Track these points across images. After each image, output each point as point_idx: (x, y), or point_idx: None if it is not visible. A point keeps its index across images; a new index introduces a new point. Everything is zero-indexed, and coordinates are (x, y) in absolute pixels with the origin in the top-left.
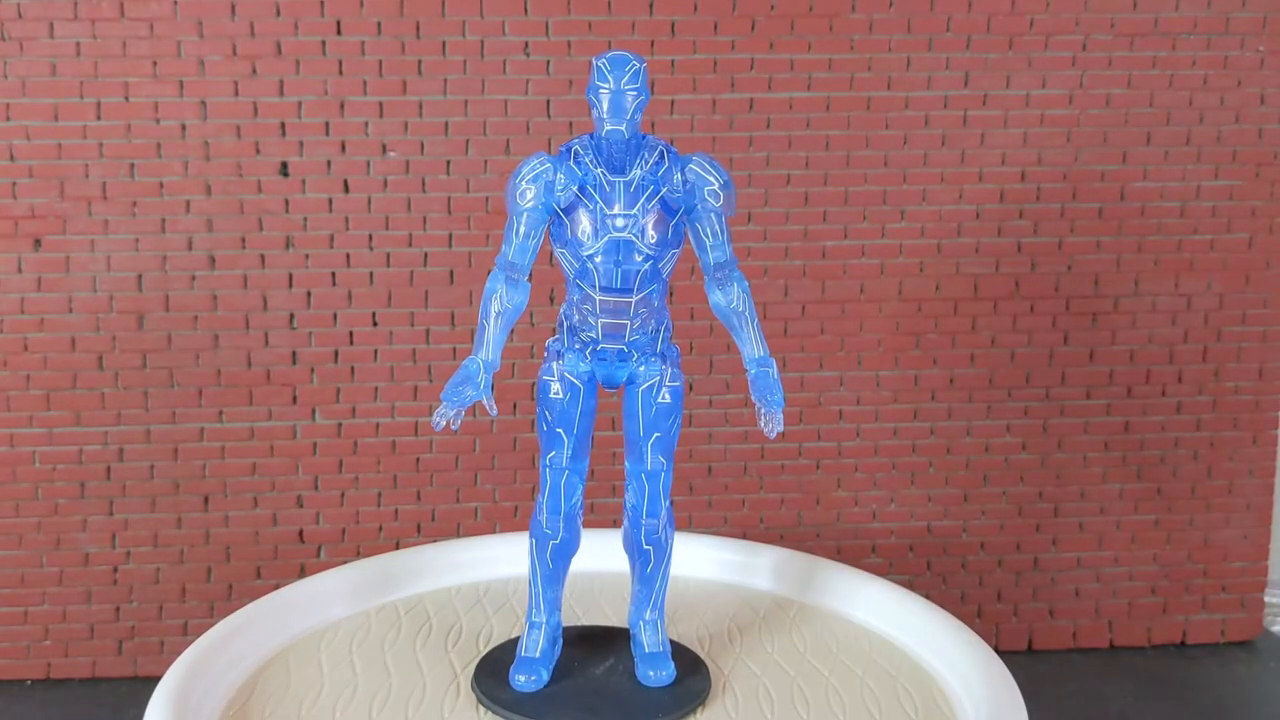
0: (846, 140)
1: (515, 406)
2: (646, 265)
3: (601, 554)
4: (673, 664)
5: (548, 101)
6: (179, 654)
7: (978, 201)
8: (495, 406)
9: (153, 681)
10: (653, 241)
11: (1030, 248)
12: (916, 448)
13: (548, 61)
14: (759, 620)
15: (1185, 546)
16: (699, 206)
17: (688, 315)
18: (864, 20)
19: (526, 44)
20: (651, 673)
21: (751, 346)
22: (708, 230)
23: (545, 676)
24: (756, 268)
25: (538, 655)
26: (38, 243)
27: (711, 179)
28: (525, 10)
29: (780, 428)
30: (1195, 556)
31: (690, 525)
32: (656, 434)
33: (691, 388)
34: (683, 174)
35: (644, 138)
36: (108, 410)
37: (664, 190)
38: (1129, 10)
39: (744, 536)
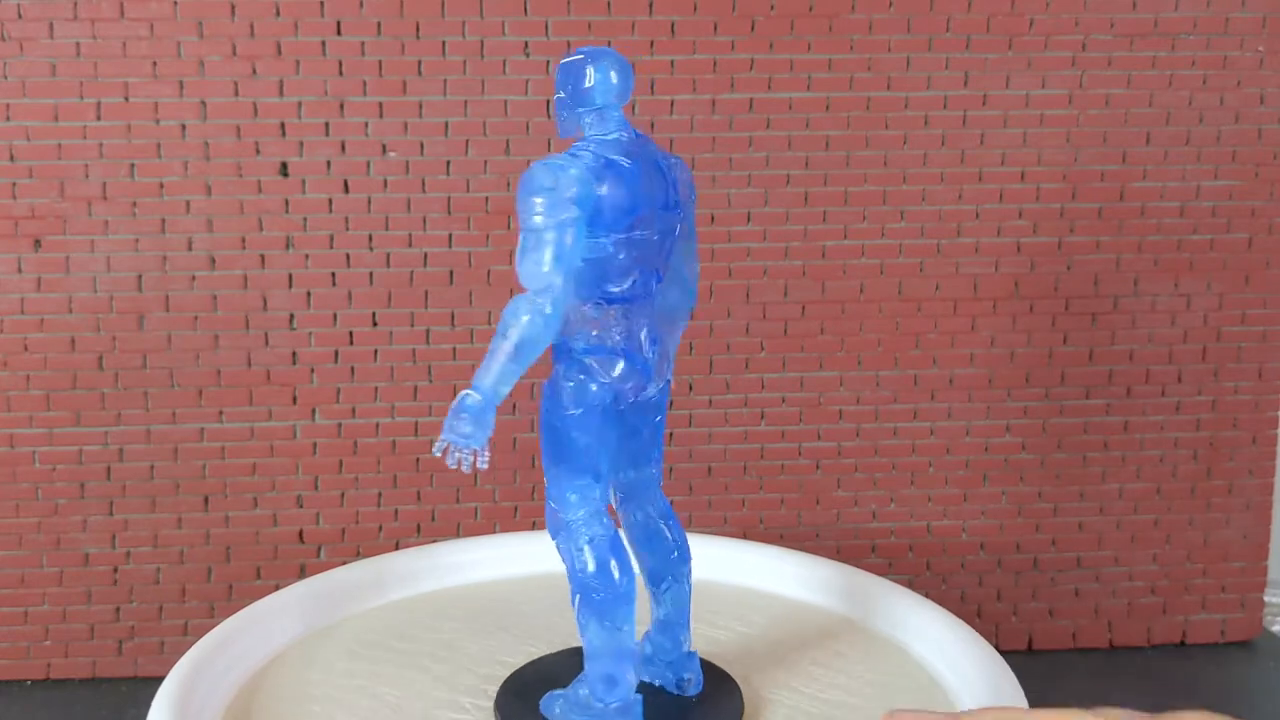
0: (846, 140)
1: (515, 407)
2: None
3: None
4: None
5: (548, 102)
6: (179, 654)
7: (977, 201)
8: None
9: (153, 681)
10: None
11: (1029, 248)
12: (916, 448)
13: (548, 61)
14: (759, 621)
15: (1185, 546)
16: None
17: None
18: (864, 20)
19: (526, 44)
20: None
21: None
22: None
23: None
24: (756, 268)
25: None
26: (38, 243)
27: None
28: (525, 10)
29: (454, 458)
30: (1195, 556)
31: (690, 525)
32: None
33: (691, 388)
34: None
35: (578, 138)
36: (108, 410)
37: None
38: (1129, 10)
39: (744, 536)
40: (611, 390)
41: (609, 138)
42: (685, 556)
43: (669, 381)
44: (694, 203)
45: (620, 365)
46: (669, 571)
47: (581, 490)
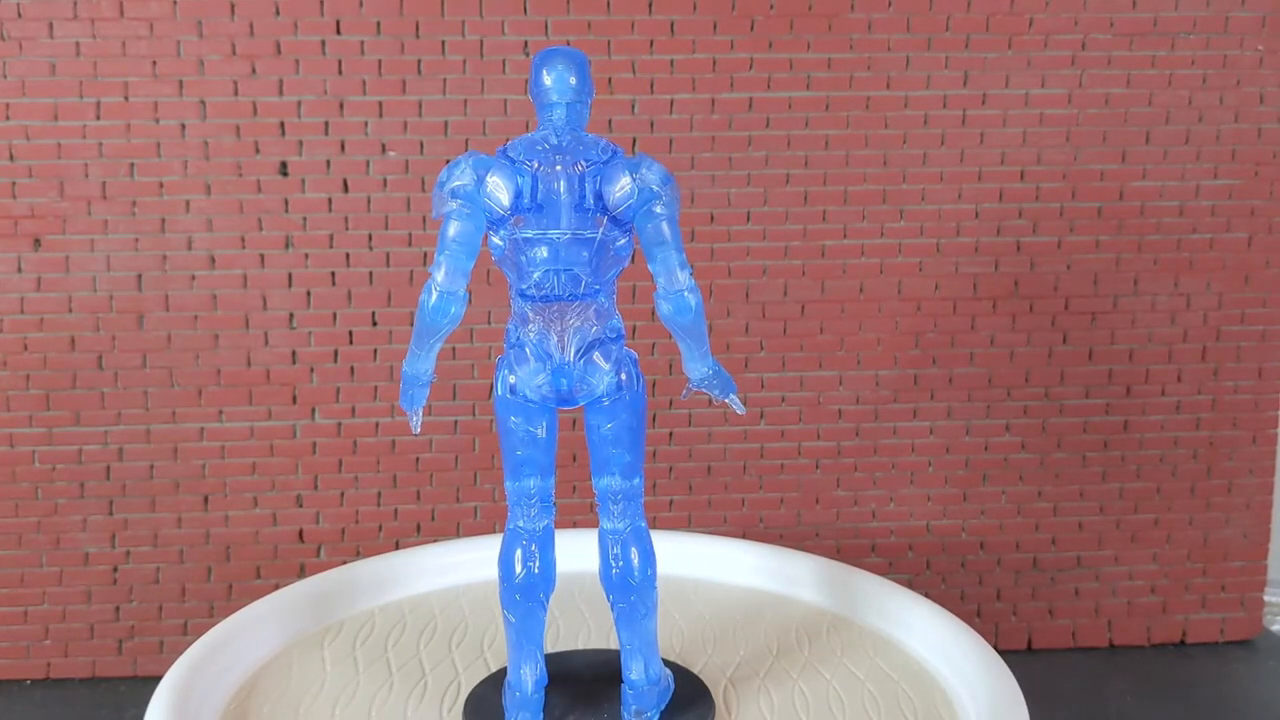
0: (846, 140)
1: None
2: None
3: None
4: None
5: None
6: (179, 654)
7: (977, 201)
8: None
9: (152, 681)
10: None
11: (1029, 247)
12: (915, 447)
13: None
14: (760, 621)
15: (1185, 546)
16: None
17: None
18: (863, 20)
19: (526, 44)
20: None
21: None
22: None
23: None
24: (756, 267)
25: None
26: (38, 243)
27: None
28: (525, 10)
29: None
30: (1195, 556)
31: (690, 524)
32: None
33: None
34: None
35: None
36: (108, 410)
37: None
38: (1128, 10)
39: (743, 536)
40: (525, 384)
41: (534, 136)
42: (629, 586)
43: (635, 391)
44: (657, 213)
45: (527, 362)
46: (611, 592)
47: (510, 476)
